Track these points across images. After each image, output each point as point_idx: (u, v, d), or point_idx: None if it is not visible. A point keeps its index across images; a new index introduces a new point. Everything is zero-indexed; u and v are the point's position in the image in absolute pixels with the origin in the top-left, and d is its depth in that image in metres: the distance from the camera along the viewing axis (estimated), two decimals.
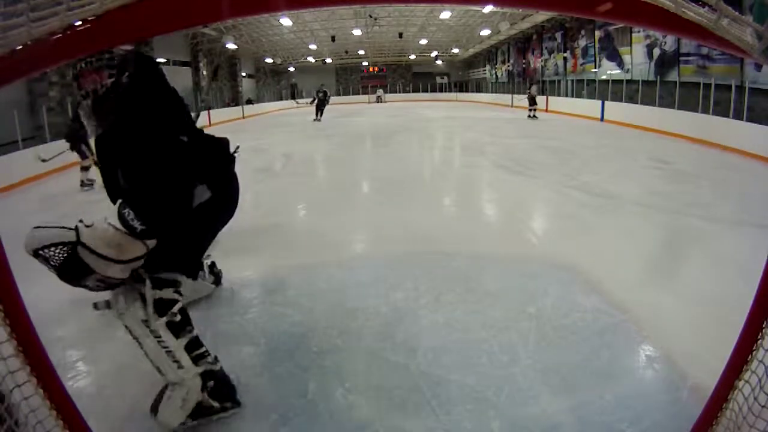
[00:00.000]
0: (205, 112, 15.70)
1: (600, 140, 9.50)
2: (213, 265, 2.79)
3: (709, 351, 1.80)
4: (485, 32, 19.69)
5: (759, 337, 1.14)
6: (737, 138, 7.77)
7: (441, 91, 30.14)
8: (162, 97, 1.56)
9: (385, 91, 28.50)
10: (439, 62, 28.17)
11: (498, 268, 3.02)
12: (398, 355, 2.04)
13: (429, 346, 2.10)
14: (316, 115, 15.31)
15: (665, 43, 10.85)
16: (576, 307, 2.44)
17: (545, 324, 2.27)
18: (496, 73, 24.50)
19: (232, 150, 1.84)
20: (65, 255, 1.31)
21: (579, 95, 15.76)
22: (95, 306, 1.54)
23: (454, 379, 1.86)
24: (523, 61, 20.45)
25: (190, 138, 1.59)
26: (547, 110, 16.31)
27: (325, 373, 1.93)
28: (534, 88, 14.58)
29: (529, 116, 14.07)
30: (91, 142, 1.64)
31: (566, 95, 16.79)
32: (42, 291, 2.02)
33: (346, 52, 26.87)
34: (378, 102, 27.58)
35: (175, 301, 1.58)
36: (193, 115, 2.35)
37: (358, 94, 29.68)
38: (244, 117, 19.84)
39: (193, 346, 1.65)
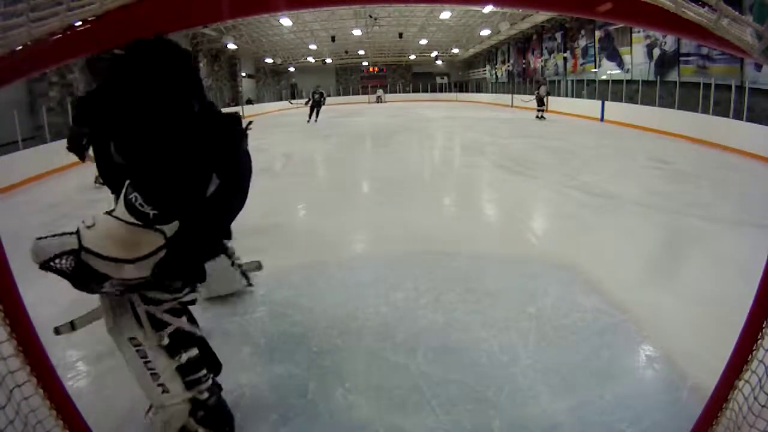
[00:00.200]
0: None
1: (600, 140, 9.50)
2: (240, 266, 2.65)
3: (709, 351, 1.80)
4: (485, 32, 19.68)
5: (759, 337, 1.14)
6: (737, 138, 7.77)
7: (441, 91, 30.14)
8: (170, 54, 1.24)
9: (385, 91, 28.49)
10: (439, 62, 28.16)
11: (498, 268, 3.02)
12: (398, 355, 2.04)
13: (429, 346, 2.10)
14: (310, 116, 15.16)
15: (665, 43, 10.85)
16: (576, 307, 2.44)
17: (545, 324, 2.27)
18: (496, 73, 24.49)
19: (244, 125, 1.57)
20: (73, 264, 1.18)
21: (579, 95, 15.75)
22: (56, 331, 1.37)
23: (454, 379, 1.86)
24: (523, 61, 20.45)
25: (202, 106, 1.32)
26: (547, 110, 16.29)
27: (325, 373, 1.93)
28: (543, 89, 14.44)
29: (537, 117, 13.98)
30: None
31: (566, 95, 16.78)
32: (42, 291, 2.02)
33: (346, 52, 26.86)
34: (378, 102, 27.58)
35: (179, 311, 1.42)
36: None
37: (358, 94, 29.68)
38: (244, 117, 19.74)
39: (191, 368, 1.48)
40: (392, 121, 15.24)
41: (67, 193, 6.04)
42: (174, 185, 1.19)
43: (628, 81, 12.74)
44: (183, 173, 1.20)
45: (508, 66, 22.41)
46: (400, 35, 22.81)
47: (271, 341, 2.20)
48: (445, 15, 19.81)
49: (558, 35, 16.85)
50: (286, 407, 1.73)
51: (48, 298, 2.35)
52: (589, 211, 4.41)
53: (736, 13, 0.84)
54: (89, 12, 0.87)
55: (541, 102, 14.12)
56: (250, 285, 2.73)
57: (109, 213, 1.22)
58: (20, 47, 0.91)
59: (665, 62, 10.97)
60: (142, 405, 1.71)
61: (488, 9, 15.12)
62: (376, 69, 30.51)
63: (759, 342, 1.15)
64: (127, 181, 1.19)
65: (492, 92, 24.36)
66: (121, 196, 1.18)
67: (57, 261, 1.17)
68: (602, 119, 13.16)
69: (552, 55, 17.66)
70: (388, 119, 16.17)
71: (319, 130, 12.93)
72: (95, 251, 1.17)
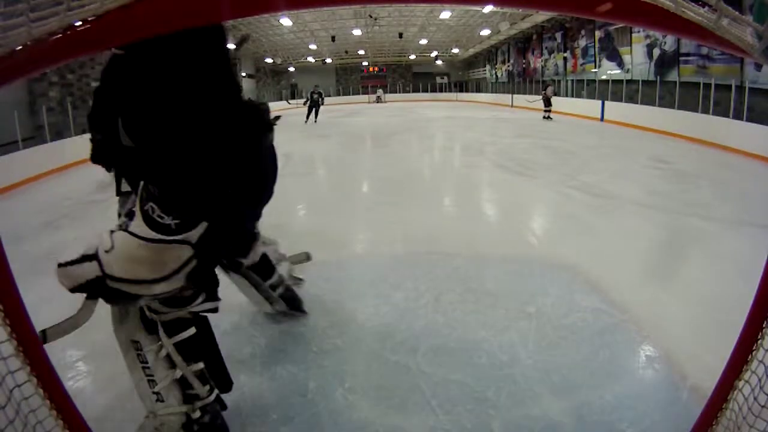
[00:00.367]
0: None
1: (600, 140, 9.50)
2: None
3: (709, 351, 1.80)
4: (485, 32, 19.69)
5: (759, 337, 1.14)
6: (737, 138, 7.77)
7: (441, 91, 30.13)
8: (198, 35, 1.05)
9: (385, 91, 28.48)
10: (439, 62, 28.15)
11: (498, 268, 3.01)
12: (398, 355, 2.04)
13: (429, 346, 2.10)
14: (308, 116, 15.12)
15: (665, 43, 10.84)
16: (576, 307, 2.44)
17: (545, 324, 2.27)
18: (496, 73, 24.48)
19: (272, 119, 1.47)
20: (100, 289, 1.11)
21: (579, 95, 15.75)
22: (43, 338, 1.30)
23: (454, 379, 1.86)
24: (523, 61, 20.44)
25: (233, 92, 1.19)
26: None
27: (325, 373, 1.93)
28: (550, 90, 14.39)
29: (544, 117, 13.93)
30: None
31: (566, 95, 16.77)
32: (42, 291, 2.02)
33: (346, 52, 26.85)
34: (378, 102, 27.56)
35: (187, 321, 1.35)
36: None
37: (358, 94, 29.64)
38: None
39: (192, 382, 1.42)
40: (392, 121, 15.24)
41: (67, 193, 6.03)
42: (188, 185, 1.08)
43: (628, 81, 12.73)
44: (198, 168, 1.08)
45: (508, 66, 22.40)
46: (400, 35, 22.80)
47: (271, 341, 2.20)
48: (445, 15, 19.80)
49: (558, 35, 16.85)
50: (286, 407, 1.73)
51: (48, 298, 2.35)
52: (589, 211, 4.41)
53: (736, 13, 0.84)
54: (89, 12, 0.87)
55: (548, 102, 14.08)
56: (300, 280, 2.64)
57: (125, 229, 1.11)
58: (20, 47, 0.91)
59: (665, 62, 10.96)
60: (142, 405, 1.72)
61: (488, 9, 15.13)
62: (376, 69, 30.49)
63: (759, 342, 1.15)
64: (140, 186, 1.09)
65: (492, 92, 24.35)
66: (137, 207, 1.08)
67: (83, 288, 1.14)
68: (602, 119, 13.15)
69: (552, 55, 17.66)
70: (388, 119, 16.16)
71: (319, 130, 12.93)
72: (121, 277, 1.09)
